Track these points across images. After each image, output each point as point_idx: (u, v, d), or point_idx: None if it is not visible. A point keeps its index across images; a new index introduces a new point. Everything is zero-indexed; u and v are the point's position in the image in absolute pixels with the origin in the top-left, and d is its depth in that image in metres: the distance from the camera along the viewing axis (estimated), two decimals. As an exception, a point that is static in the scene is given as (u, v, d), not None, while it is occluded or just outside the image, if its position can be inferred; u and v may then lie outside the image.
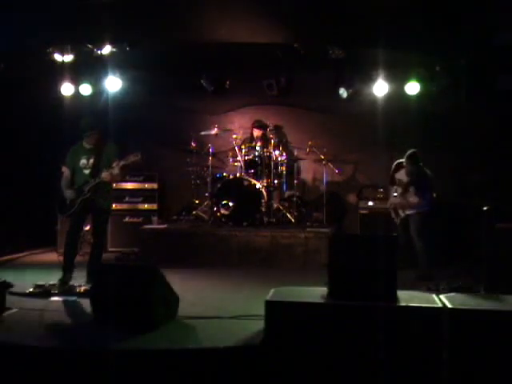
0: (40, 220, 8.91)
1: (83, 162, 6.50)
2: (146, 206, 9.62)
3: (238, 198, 8.71)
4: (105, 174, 6.33)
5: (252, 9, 7.60)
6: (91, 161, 6.46)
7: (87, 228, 7.83)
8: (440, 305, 4.14)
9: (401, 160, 7.35)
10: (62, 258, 6.62)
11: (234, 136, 9.49)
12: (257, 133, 9.57)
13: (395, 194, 7.32)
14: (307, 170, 10.07)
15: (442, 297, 4.32)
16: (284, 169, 9.41)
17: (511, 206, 6.49)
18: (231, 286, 6.73)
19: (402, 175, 7.26)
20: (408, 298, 4.29)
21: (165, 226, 8.99)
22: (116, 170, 6.34)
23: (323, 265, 5.22)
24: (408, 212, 7.17)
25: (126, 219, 9.48)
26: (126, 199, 9.57)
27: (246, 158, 9.16)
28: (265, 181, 9.06)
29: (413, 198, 7.13)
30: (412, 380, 4.04)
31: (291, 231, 8.36)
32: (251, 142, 9.41)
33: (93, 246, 6.72)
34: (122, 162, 6.34)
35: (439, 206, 7.36)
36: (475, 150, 9.02)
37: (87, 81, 9.34)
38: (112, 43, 8.14)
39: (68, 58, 8.39)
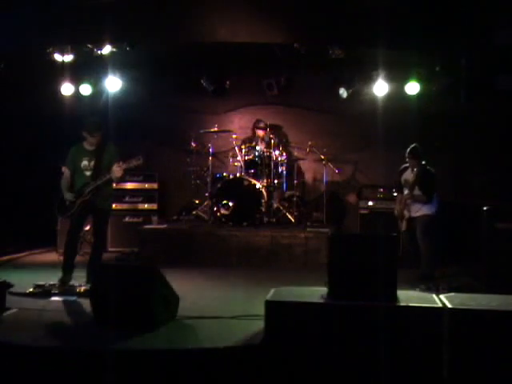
0: (40, 220, 8.91)
1: (84, 163, 6.48)
2: (146, 205, 9.62)
3: (238, 198, 8.71)
4: (116, 169, 6.31)
5: (252, 9, 7.60)
6: (92, 162, 6.46)
7: (87, 228, 7.83)
8: (440, 305, 4.14)
9: (405, 165, 7.30)
10: (61, 258, 6.63)
11: (234, 136, 9.49)
12: (260, 133, 9.56)
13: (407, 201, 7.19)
14: (307, 170, 10.08)
15: (442, 297, 4.32)
16: (284, 169, 9.42)
17: (511, 206, 6.49)
18: (231, 286, 6.73)
19: (407, 175, 7.21)
20: (408, 298, 4.29)
21: (165, 226, 8.98)
22: (121, 170, 6.35)
23: (323, 265, 5.23)
24: (415, 214, 7.09)
25: (126, 219, 9.47)
26: (126, 199, 9.56)
27: (246, 157, 9.15)
28: (265, 181, 9.06)
29: (419, 193, 7.05)
30: (412, 380, 4.04)
31: (291, 231, 8.36)
32: (251, 142, 9.41)
33: (93, 247, 6.73)
34: (124, 166, 6.34)
35: (439, 205, 7.34)
36: (475, 150, 9.02)
37: (87, 81, 9.33)
38: (112, 43, 8.14)
39: (68, 57, 8.38)
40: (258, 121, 9.67)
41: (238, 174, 9.11)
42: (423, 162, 7.07)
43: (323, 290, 4.37)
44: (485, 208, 6.41)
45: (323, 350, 4.10)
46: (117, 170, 6.31)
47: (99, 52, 8.27)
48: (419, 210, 7.05)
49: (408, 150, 7.11)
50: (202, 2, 7.63)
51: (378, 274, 4.23)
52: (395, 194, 7.69)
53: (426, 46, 7.68)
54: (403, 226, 7.21)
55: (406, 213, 7.16)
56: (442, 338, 4.00)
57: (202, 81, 9.66)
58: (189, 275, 7.24)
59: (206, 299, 6.00)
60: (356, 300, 4.17)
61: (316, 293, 4.39)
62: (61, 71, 8.70)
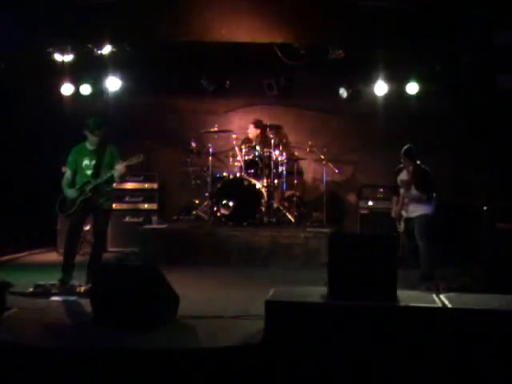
0: (40, 220, 8.91)
1: (86, 162, 6.52)
2: (146, 205, 9.61)
3: (238, 198, 8.71)
4: (119, 166, 6.36)
5: (252, 9, 7.61)
6: (94, 162, 6.50)
7: (87, 228, 7.83)
8: (440, 305, 4.14)
9: (400, 165, 7.30)
10: (62, 258, 6.63)
11: (234, 136, 9.48)
12: (253, 132, 9.52)
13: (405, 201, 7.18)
14: (307, 170, 10.08)
15: (442, 297, 4.33)
16: (284, 169, 9.41)
17: (511, 206, 6.49)
18: (231, 286, 6.72)
19: (403, 175, 7.23)
20: (408, 297, 4.29)
21: (165, 225, 8.98)
22: (124, 167, 6.39)
23: (323, 264, 5.23)
24: (412, 215, 7.09)
25: (126, 219, 9.47)
26: (126, 199, 9.55)
27: (246, 157, 9.15)
28: (265, 181, 9.05)
29: (415, 192, 7.05)
30: (412, 380, 4.04)
31: (291, 231, 8.36)
32: (251, 142, 9.40)
33: (93, 246, 6.74)
34: (125, 163, 6.38)
35: (439, 205, 7.35)
36: (475, 149, 9.03)
37: (87, 81, 9.34)
38: (112, 43, 8.14)
39: (68, 57, 8.38)
40: (257, 120, 9.65)
41: (238, 174, 9.10)
42: (418, 162, 7.08)
43: (323, 289, 4.37)
44: (485, 208, 6.41)
45: (323, 350, 4.10)
46: (120, 168, 6.36)
47: (99, 52, 8.27)
48: (416, 211, 7.05)
49: (402, 150, 7.12)
50: (203, 1, 7.64)
51: (378, 273, 4.23)
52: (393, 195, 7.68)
53: (426, 46, 7.68)
54: (401, 226, 7.21)
55: (403, 213, 7.16)
56: (442, 338, 4.00)
57: (201, 81, 9.66)
58: (189, 275, 7.24)
59: (205, 299, 6.00)
60: (356, 300, 4.17)
61: (316, 293, 4.39)
62: (61, 71, 8.70)
